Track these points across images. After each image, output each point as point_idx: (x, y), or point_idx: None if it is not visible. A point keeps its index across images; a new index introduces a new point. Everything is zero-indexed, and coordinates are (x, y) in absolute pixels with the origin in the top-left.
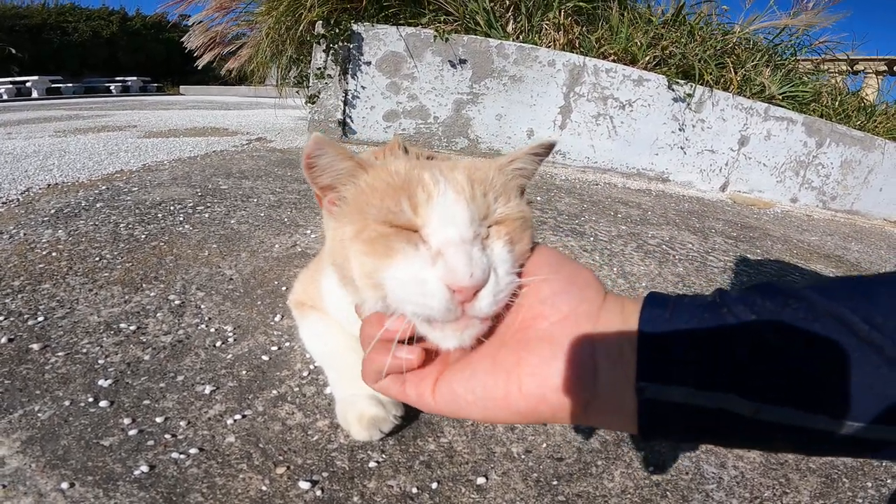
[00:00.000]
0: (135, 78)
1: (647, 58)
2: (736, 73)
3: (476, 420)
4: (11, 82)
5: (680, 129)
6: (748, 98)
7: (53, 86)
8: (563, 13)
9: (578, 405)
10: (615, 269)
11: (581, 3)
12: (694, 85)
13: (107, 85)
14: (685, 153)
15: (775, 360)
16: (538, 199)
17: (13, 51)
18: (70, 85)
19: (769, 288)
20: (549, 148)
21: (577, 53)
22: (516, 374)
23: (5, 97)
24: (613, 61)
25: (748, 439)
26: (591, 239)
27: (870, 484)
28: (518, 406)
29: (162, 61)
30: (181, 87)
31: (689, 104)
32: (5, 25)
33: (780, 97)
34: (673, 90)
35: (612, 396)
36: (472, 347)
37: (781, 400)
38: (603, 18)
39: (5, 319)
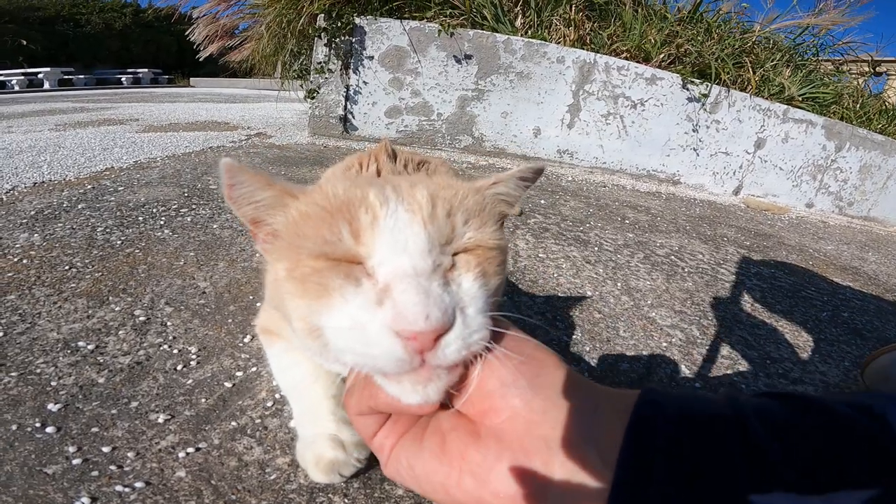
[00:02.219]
0: (146, 70)
1: (661, 56)
2: (754, 72)
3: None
4: (23, 73)
5: (693, 130)
6: (766, 99)
7: (65, 77)
8: (573, 8)
9: None
10: (619, 283)
11: None
12: (710, 84)
13: (118, 77)
14: (698, 155)
15: None
16: (542, 202)
17: (24, 42)
18: (82, 76)
19: (805, 406)
20: (538, 173)
21: (587, 50)
22: (458, 466)
23: (17, 88)
24: (626, 59)
25: None
26: (596, 248)
27: None
28: (456, 498)
29: (174, 53)
30: (191, 79)
31: (703, 104)
32: (19, 17)
33: (800, 98)
34: (687, 90)
35: None
36: (441, 403)
37: None
38: (616, 14)
39: None
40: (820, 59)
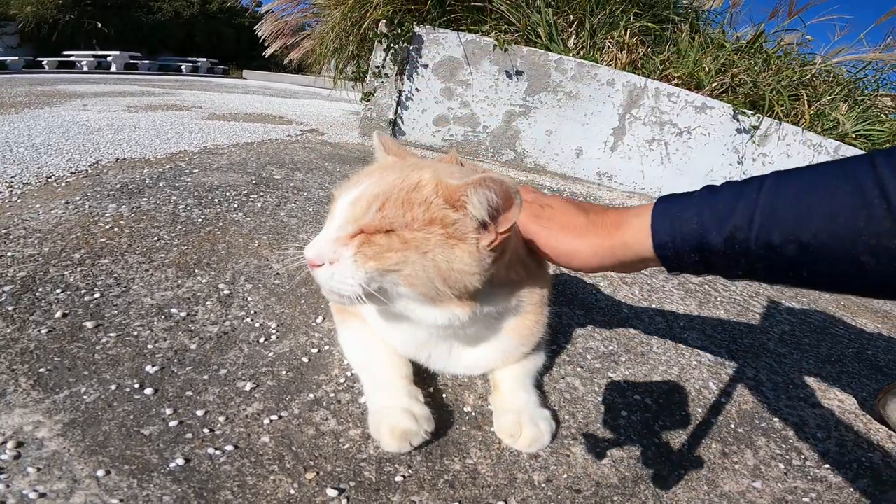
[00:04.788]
0: (204, 59)
1: (714, 84)
2: (810, 106)
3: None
4: (94, 55)
5: (739, 162)
6: (818, 134)
7: (131, 61)
8: (628, 32)
9: None
10: (654, 304)
11: (649, 24)
12: (761, 116)
13: (179, 64)
14: None
15: None
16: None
17: (99, 25)
18: (146, 62)
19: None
20: (504, 191)
21: (638, 74)
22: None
23: (86, 69)
24: (677, 85)
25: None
26: None
27: None
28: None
29: (231, 45)
30: (244, 71)
31: (752, 136)
32: (99, 1)
33: (854, 135)
34: (738, 120)
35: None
36: None
37: None
38: (671, 41)
39: (62, 293)
40: (879, 94)
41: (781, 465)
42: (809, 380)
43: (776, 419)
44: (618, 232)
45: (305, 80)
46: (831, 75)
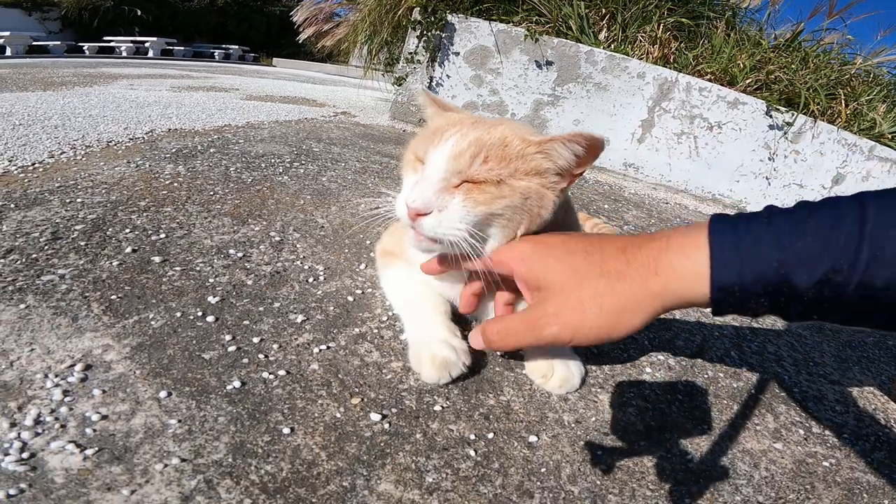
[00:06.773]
0: (236, 47)
1: (749, 80)
2: (847, 105)
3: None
4: (132, 41)
5: (770, 159)
6: (854, 133)
7: (167, 47)
8: (661, 27)
9: None
10: None
11: (683, 20)
12: (796, 114)
13: (212, 51)
14: (769, 184)
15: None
16: (605, 206)
17: (139, 12)
18: (181, 48)
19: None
20: (593, 147)
21: (670, 68)
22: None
23: (125, 54)
24: (709, 80)
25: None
26: None
27: (886, 501)
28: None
29: (262, 33)
30: (274, 59)
31: (785, 133)
32: None
33: (890, 136)
34: (771, 117)
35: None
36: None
37: None
38: (705, 37)
39: (131, 232)
40: None
41: (801, 431)
42: (829, 360)
43: (796, 390)
44: (656, 279)
45: (334, 69)
46: (871, 76)
